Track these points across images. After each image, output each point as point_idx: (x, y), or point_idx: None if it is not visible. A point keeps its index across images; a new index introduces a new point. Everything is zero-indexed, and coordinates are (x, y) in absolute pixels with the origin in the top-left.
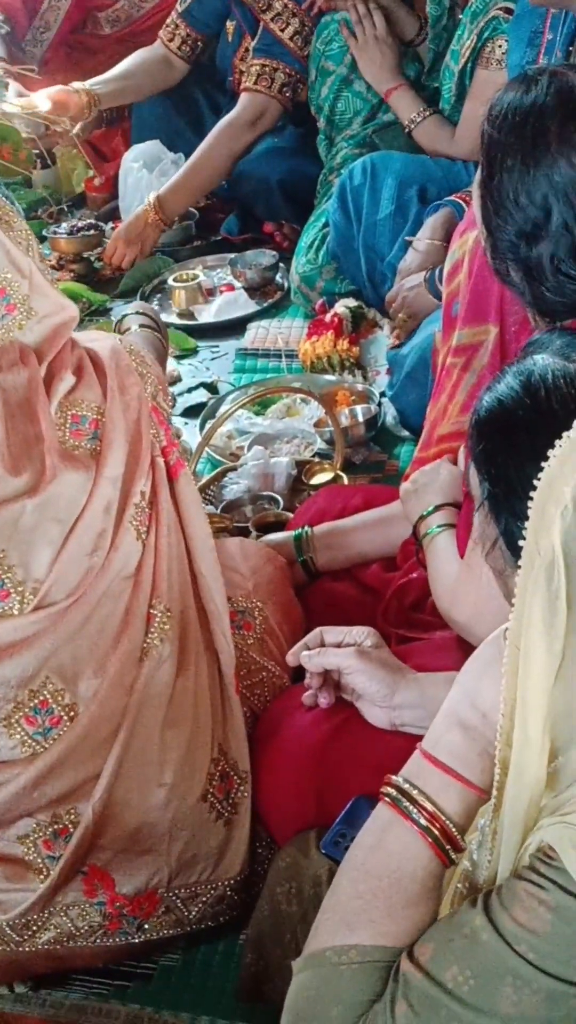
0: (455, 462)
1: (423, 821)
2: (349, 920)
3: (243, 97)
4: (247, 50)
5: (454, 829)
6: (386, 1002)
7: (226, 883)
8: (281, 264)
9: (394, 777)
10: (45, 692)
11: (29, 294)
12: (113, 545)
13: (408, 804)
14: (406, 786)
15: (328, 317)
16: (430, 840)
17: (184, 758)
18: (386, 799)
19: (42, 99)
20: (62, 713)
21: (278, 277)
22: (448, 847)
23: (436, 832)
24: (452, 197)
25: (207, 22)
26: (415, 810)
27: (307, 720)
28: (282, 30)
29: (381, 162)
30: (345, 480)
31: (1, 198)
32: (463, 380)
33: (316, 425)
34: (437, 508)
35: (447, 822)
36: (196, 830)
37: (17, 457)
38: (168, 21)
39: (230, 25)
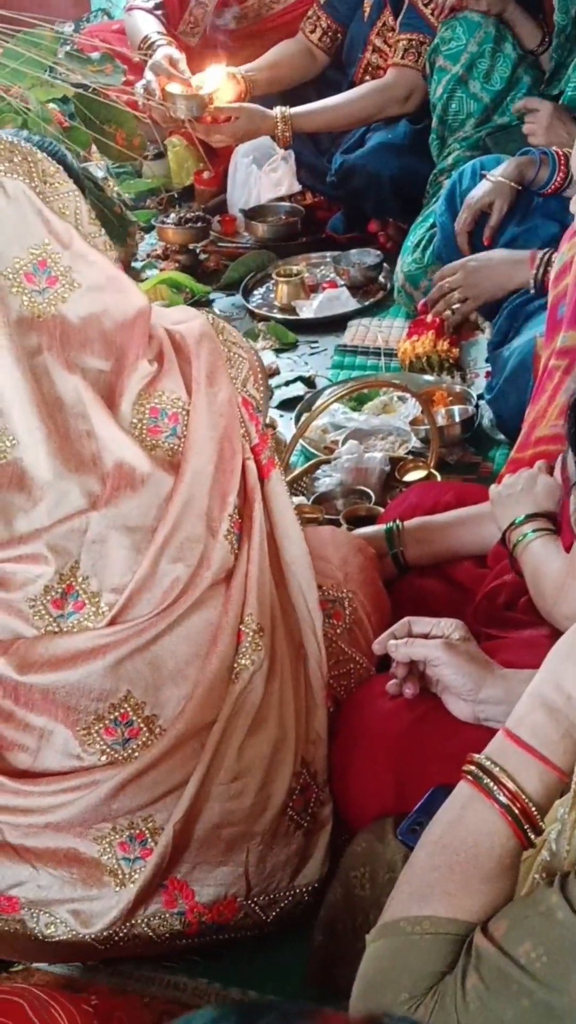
0: (551, 470)
1: (504, 799)
2: (424, 892)
3: (392, 72)
4: (384, 25)
5: (534, 809)
6: (457, 974)
7: (304, 889)
8: (384, 264)
9: (476, 755)
10: (126, 705)
11: (71, 264)
12: (205, 558)
13: (489, 782)
14: (488, 764)
15: (429, 317)
16: (510, 819)
17: (267, 771)
18: (468, 776)
19: (207, 83)
20: (142, 725)
21: (380, 277)
22: (527, 826)
23: (516, 811)
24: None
25: (347, 12)
26: (496, 788)
27: (390, 708)
28: (425, 5)
29: (493, 166)
30: (438, 479)
31: (42, 156)
32: (565, 383)
33: (412, 423)
34: (528, 518)
35: (527, 801)
36: (274, 842)
37: (66, 459)
38: (309, 13)
39: (367, 2)
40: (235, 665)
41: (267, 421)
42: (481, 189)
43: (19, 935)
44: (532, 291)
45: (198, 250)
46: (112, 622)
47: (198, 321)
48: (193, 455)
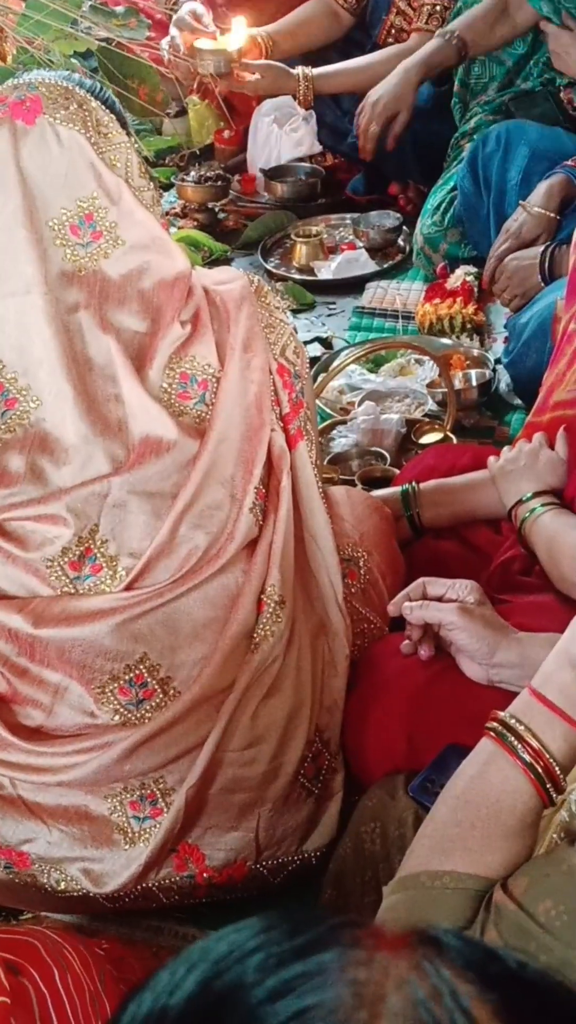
0: (552, 443)
1: (527, 757)
2: (445, 846)
3: (415, 36)
4: None
5: (557, 768)
6: (476, 930)
7: (313, 853)
8: (404, 227)
9: (500, 712)
10: (141, 667)
11: (117, 220)
12: (227, 528)
13: (513, 739)
14: (512, 721)
15: (454, 282)
16: (532, 776)
17: (280, 739)
18: (491, 733)
19: (233, 39)
20: (156, 687)
21: (400, 239)
22: (549, 785)
23: (539, 769)
24: (569, 163)
25: None
26: (520, 746)
27: (404, 666)
28: None
29: (516, 131)
30: (455, 442)
31: (96, 104)
32: None
33: (429, 386)
34: (535, 495)
35: (551, 760)
36: (284, 808)
37: (93, 422)
38: None
39: None
40: (255, 635)
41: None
42: (521, 223)
43: (30, 887)
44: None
45: (217, 209)
46: (129, 587)
47: (239, 283)
48: (219, 422)
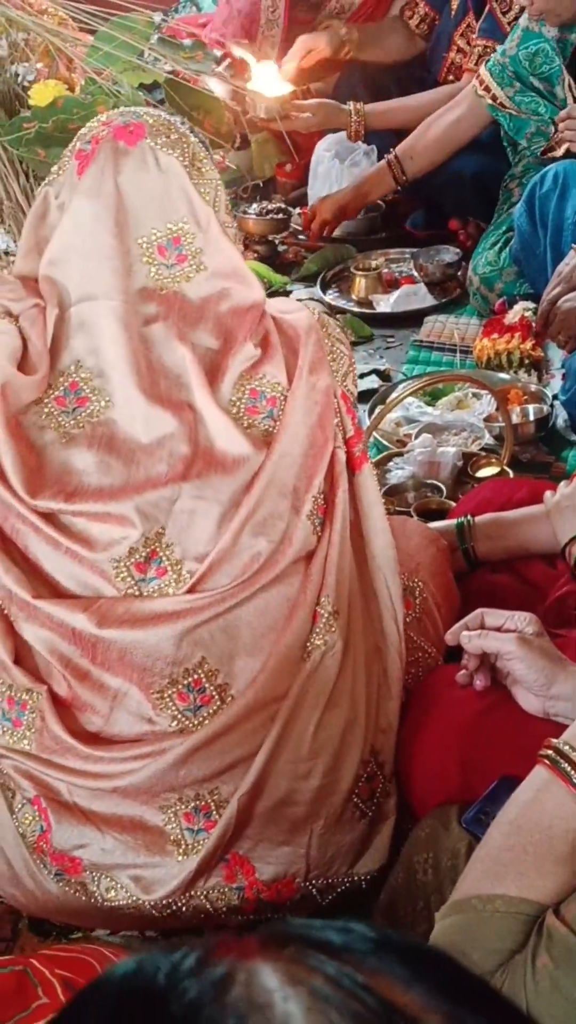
0: None
1: None
2: (497, 871)
3: (467, 77)
4: (469, 26)
5: None
6: (528, 954)
7: (363, 877)
8: (463, 262)
9: (555, 740)
10: (200, 671)
11: (203, 248)
12: (287, 536)
13: (567, 766)
14: (566, 748)
15: (512, 317)
16: None
17: (336, 755)
18: (545, 760)
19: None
20: (214, 693)
21: (459, 274)
22: None
23: None
24: None
25: (439, 3)
26: (574, 772)
27: (459, 696)
28: (504, 13)
29: (572, 171)
30: (511, 476)
31: (197, 141)
32: None
33: (486, 420)
34: None
35: None
36: (337, 827)
37: (163, 426)
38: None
39: (455, 0)
40: (308, 644)
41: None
42: (573, 266)
43: (79, 900)
44: None
45: (277, 241)
46: (191, 590)
47: (304, 313)
48: (285, 436)
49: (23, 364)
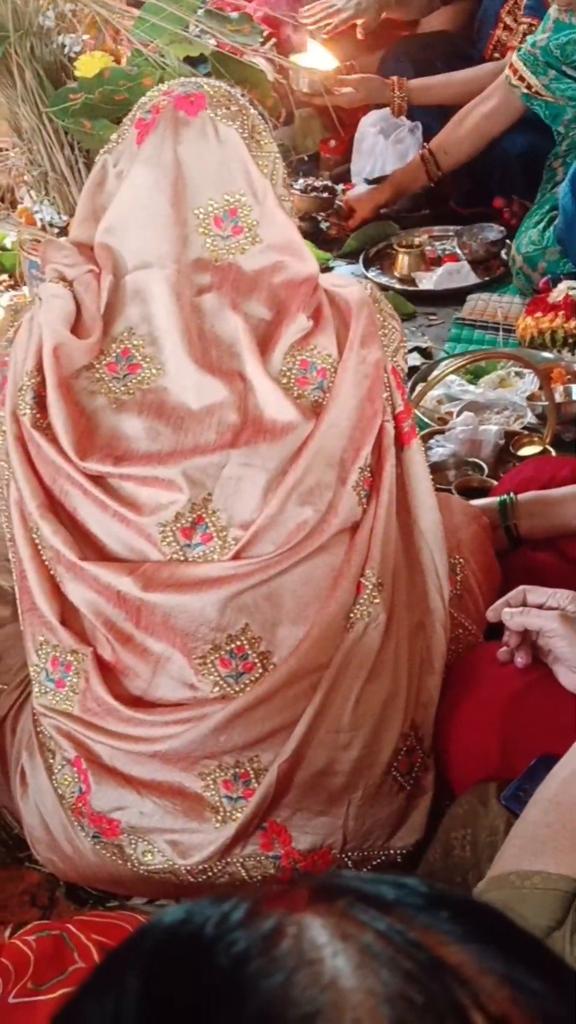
0: None
1: None
2: (535, 847)
3: (511, 55)
4: (515, 3)
5: None
6: (566, 931)
7: (399, 851)
8: (507, 240)
9: None
10: (243, 638)
11: (259, 220)
12: (332, 505)
13: None
14: None
15: (556, 296)
16: None
17: (376, 726)
18: None
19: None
20: (256, 660)
21: (502, 253)
22: None
23: None
24: None
25: None
26: None
27: (499, 674)
28: None
29: None
30: (554, 455)
31: (256, 113)
32: None
33: (529, 399)
34: None
35: None
36: (375, 800)
37: (213, 394)
38: None
39: None
40: (351, 615)
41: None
42: None
43: (116, 864)
44: None
45: (320, 218)
46: (235, 556)
47: (357, 287)
48: (334, 408)
49: (76, 328)
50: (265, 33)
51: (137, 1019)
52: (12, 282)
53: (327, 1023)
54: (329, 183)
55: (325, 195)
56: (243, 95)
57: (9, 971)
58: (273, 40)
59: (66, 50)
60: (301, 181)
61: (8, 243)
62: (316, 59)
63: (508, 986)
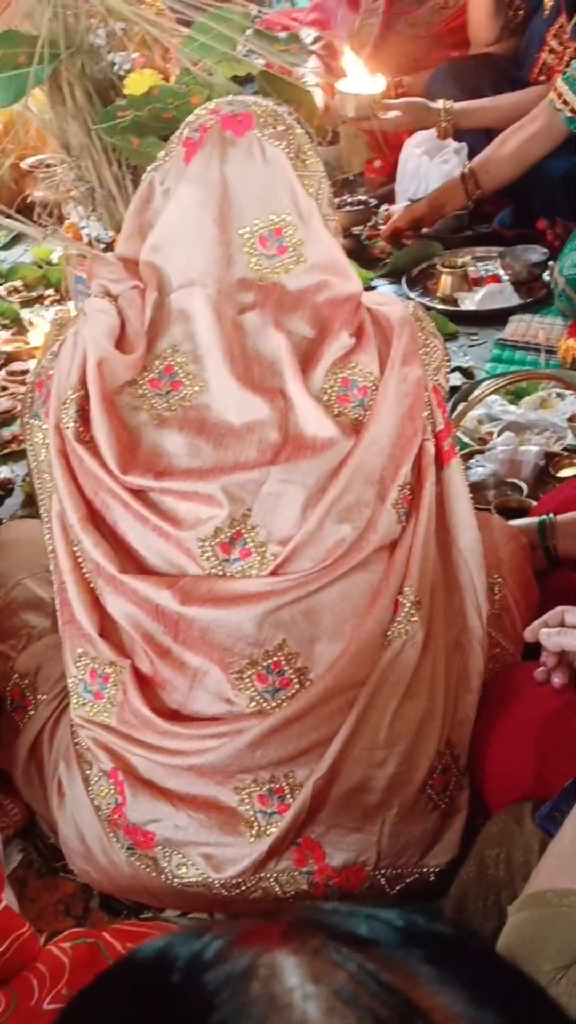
0: None
1: None
2: (572, 867)
3: (556, 79)
4: (561, 27)
5: None
6: None
7: (432, 868)
8: (550, 262)
9: None
10: (280, 654)
11: (303, 240)
12: (371, 523)
13: None
14: None
15: None
16: None
17: (412, 744)
18: None
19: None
20: (293, 676)
21: (545, 274)
22: None
23: None
24: None
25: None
26: None
27: (536, 693)
28: None
29: None
30: None
31: (303, 133)
32: None
33: (569, 420)
34: None
35: None
36: (409, 817)
37: (255, 411)
38: None
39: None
40: (389, 632)
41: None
42: None
43: (150, 876)
44: None
45: (362, 235)
46: (274, 572)
47: (400, 305)
48: (374, 425)
49: (120, 343)
50: (315, 36)
51: None
52: (58, 296)
53: None
54: (364, 197)
55: (360, 208)
56: (290, 114)
57: (45, 977)
58: (323, 41)
59: (115, 68)
60: (338, 199)
61: (55, 258)
62: (363, 80)
63: None
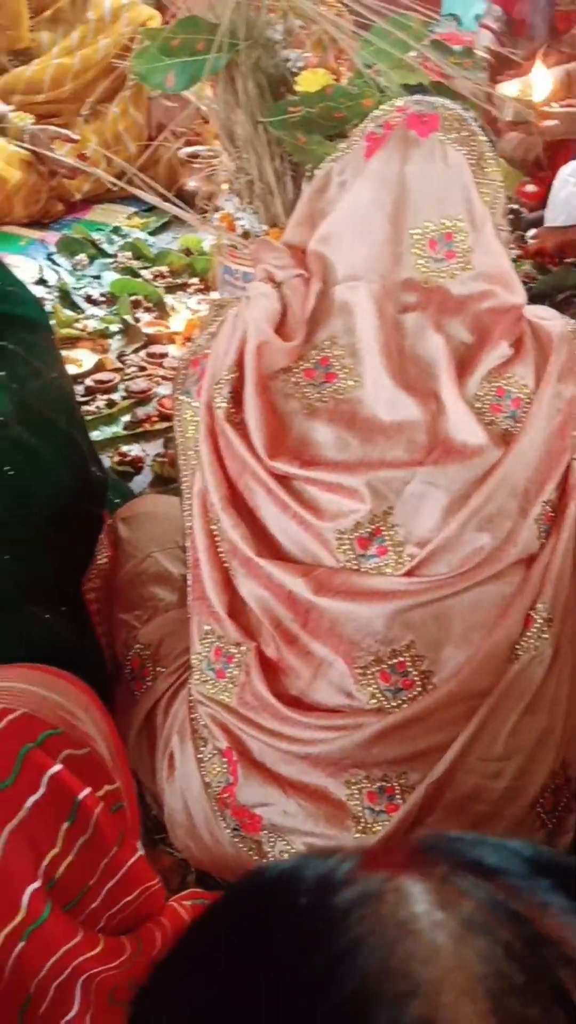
0: None
1: None
2: None
3: None
4: None
5: None
6: None
7: None
8: None
9: None
10: (406, 655)
11: (473, 247)
12: (511, 535)
13: None
14: None
15: None
16: None
17: (528, 760)
18: None
19: (540, 86)
20: (417, 678)
21: None
22: None
23: None
24: None
25: None
26: None
27: None
28: None
29: None
30: None
31: (485, 140)
32: None
33: None
34: None
35: None
36: (516, 833)
37: (407, 411)
38: None
39: None
40: (517, 646)
41: None
42: None
43: (252, 859)
44: None
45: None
46: (408, 573)
47: (561, 322)
48: (525, 438)
49: (280, 330)
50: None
51: (232, 952)
52: (202, 286)
53: (423, 1002)
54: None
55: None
56: (475, 120)
57: (168, 930)
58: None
59: (289, 64)
60: None
61: (205, 247)
62: (534, 83)
63: None
